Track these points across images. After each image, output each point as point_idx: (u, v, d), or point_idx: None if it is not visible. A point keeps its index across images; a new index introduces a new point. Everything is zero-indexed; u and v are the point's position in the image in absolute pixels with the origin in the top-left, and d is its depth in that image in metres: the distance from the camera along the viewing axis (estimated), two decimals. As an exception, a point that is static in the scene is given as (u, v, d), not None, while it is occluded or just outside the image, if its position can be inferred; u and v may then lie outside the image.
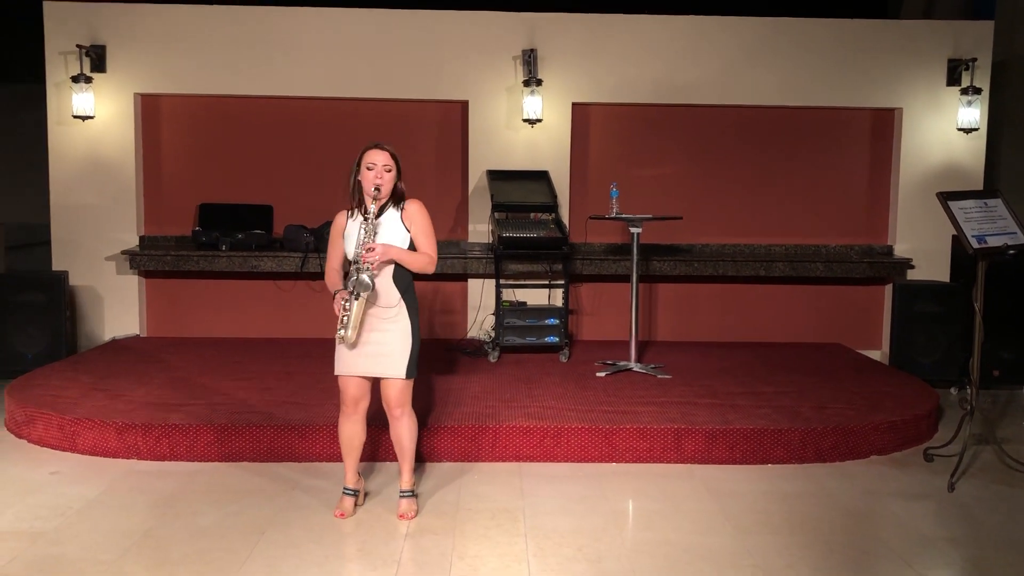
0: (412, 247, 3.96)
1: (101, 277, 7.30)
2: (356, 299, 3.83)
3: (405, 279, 3.97)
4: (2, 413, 5.53)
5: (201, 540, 3.79)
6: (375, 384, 4.06)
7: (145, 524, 3.96)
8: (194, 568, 3.53)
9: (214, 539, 3.81)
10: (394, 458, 4.39)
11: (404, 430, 4.03)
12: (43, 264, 7.53)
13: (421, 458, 4.77)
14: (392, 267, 3.93)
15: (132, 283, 7.34)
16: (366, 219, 3.89)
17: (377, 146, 3.95)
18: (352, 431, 4.07)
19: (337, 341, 3.94)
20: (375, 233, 3.89)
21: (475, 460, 4.85)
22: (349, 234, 3.97)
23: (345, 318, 3.85)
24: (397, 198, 3.98)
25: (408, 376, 3.96)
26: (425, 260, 3.95)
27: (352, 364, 3.96)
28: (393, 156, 3.95)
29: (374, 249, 3.81)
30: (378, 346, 3.92)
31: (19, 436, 5.18)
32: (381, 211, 3.94)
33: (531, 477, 4.64)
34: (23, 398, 5.27)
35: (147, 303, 7.47)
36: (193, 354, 6.67)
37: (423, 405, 5.23)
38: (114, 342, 7.16)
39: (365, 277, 3.81)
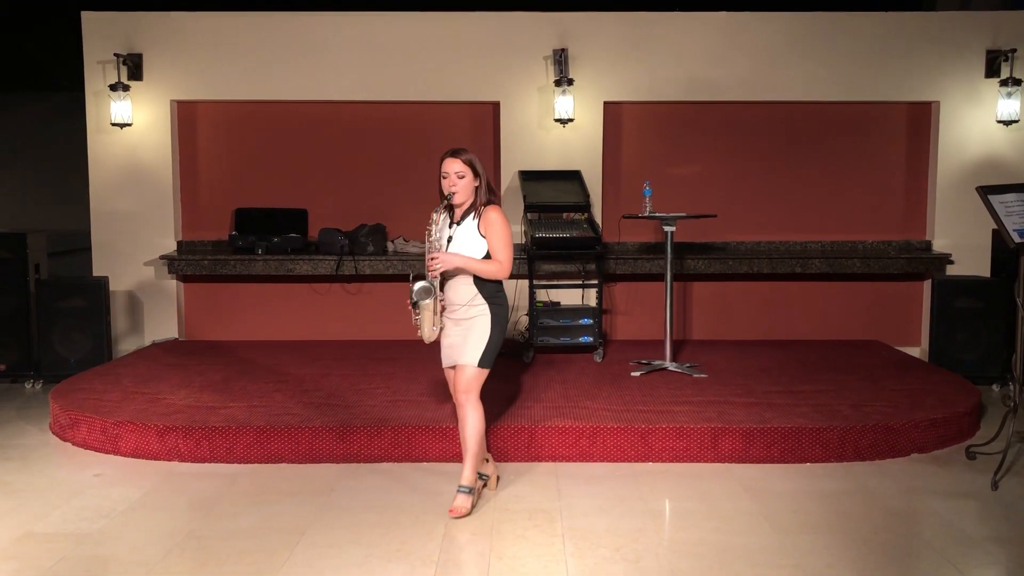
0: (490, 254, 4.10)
1: (140, 282, 7.41)
2: (414, 307, 4.03)
3: (491, 282, 4.11)
4: (46, 417, 5.64)
5: (242, 541, 3.84)
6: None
7: (187, 525, 4.02)
8: (236, 568, 3.58)
9: (255, 540, 3.85)
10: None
11: (465, 420, 4.12)
12: (84, 270, 7.66)
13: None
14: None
15: (171, 287, 7.45)
16: (430, 224, 4.05)
17: (453, 153, 4.10)
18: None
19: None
20: (442, 241, 4.07)
21: (511, 460, 4.85)
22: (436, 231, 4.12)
23: (418, 322, 4.08)
24: (477, 205, 4.10)
25: (482, 365, 4.08)
26: (494, 268, 4.07)
27: (445, 357, 4.21)
28: (468, 162, 4.07)
29: (436, 258, 3.99)
30: (458, 337, 4.12)
31: (63, 439, 5.28)
32: (463, 218, 4.11)
33: (567, 477, 4.64)
34: (66, 402, 5.37)
35: (185, 307, 7.57)
36: (231, 357, 6.75)
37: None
38: (154, 346, 7.26)
39: (422, 284, 3.99)
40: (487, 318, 4.09)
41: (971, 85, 7.29)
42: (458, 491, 4.12)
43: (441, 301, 4.08)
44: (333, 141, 7.55)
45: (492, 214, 4.08)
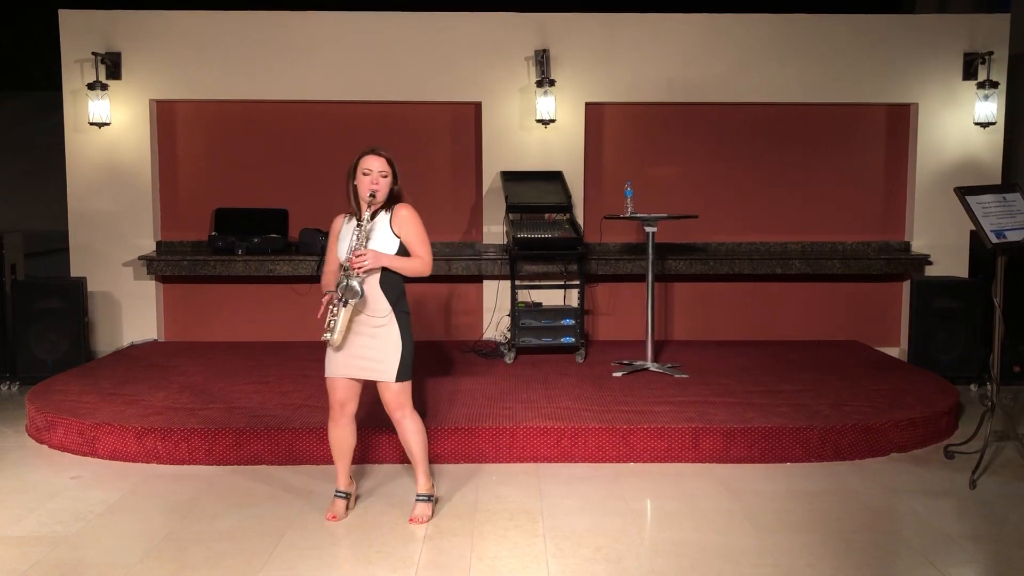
0: (402, 251, 3.92)
1: (119, 283, 7.35)
2: (344, 305, 3.81)
3: (396, 288, 3.92)
4: (23, 419, 5.58)
5: (221, 543, 3.81)
6: (366, 388, 4.05)
7: (165, 528, 3.98)
8: (214, 571, 3.55)
9: (234, 542, 3.82)
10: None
11: (408, 434, 4.01)
12: (61, 271, 7.58)
13: (440, 460, 4.77)
14: (379, 275, 3.87)
15: (149, 288, 7.38)
16: (359, 225, 3.86)
17: (373, 151, 3.94)
18: (340, 435, 4.05)
19: (328, 344, 3.93)
20: (367, 239, 3.86)
21: (493, 461, 4.84)
22: (343, 237, 3.95)
23: (332, 322, 3.84)
24: (389, 202, 3.93)
25: (400, 379, 3.93)
26: (419, 264, 3.91)
27: (342, 366, 3.94)
28: (390, 162, 3.92)
29: (364, 255, 3.79)
30: (368, 350, 3.90)
31: (40, 441, 5.22)
32: (373, 216, 3.91)
33: (549, 478, 4.63)
34: (43, 404, 5.31)
35: (164, 308, 7.51)
36: (211, 358, 6.71)
37: (441, 407, 5.24)
38: (132, 347, 7.20)
39: (355, 284, 3.78)
40: (395, 327, 3.88)
41: (949, 87, 7.35)
42: (416, 500, 4.09)
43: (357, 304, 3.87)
44: (314, 141, 7.51)
45: (404, 211, 3.90)
